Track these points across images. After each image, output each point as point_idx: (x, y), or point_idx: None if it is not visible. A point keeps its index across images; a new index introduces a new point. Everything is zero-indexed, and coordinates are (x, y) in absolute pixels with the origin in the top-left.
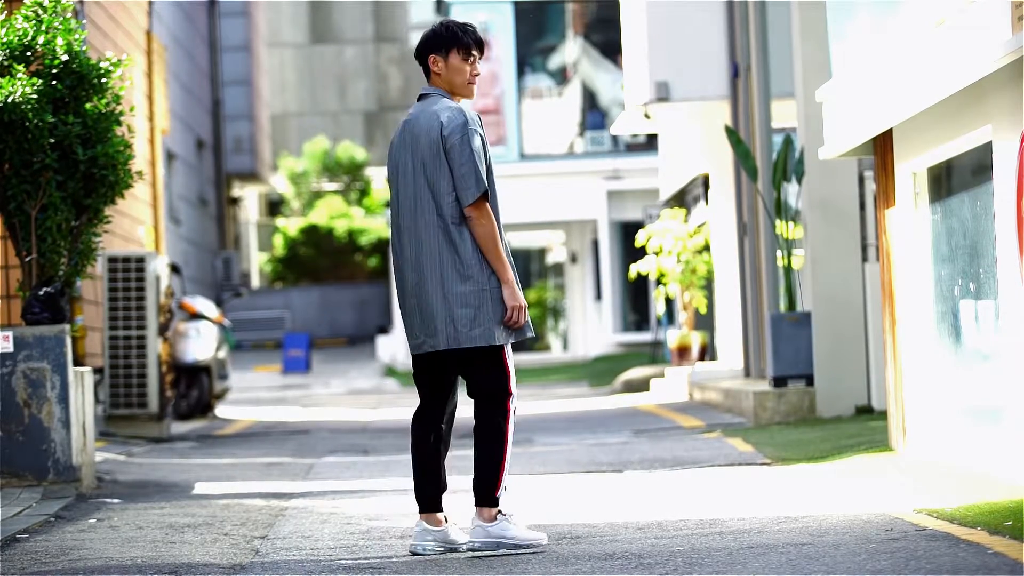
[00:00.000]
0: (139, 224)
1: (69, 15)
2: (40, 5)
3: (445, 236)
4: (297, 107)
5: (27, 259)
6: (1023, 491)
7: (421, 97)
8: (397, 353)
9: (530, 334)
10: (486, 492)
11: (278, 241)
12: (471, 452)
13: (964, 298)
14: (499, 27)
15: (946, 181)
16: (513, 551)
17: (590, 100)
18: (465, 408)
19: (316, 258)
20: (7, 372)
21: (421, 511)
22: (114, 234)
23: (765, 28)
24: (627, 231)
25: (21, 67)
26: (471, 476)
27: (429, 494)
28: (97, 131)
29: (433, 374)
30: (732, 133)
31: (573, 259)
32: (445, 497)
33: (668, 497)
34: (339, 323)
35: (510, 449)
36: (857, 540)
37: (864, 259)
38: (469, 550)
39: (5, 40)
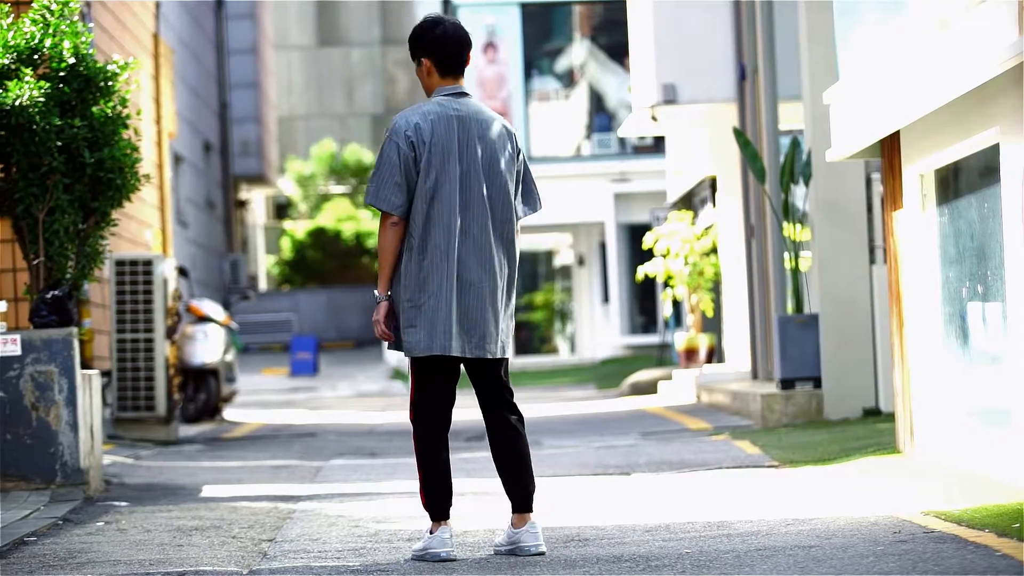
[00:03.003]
0: (146, 227)
1: (76, 18)
2: (47, 8)
3: (509, 245)
4: (304, 110)
5: (34, 262)
6: None
7: (459, 94)
8: (404, 356)
9: None
10: (531, 498)
11: (285, 244)
12: (474, 455)
13: (972, 300)
14: (506, 29)
15: (953, 183)
16: None
17: (597, 102)
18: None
19: (323, 261)
20: (15, 375)
21: (443, 518)
22: (121, 237)
23: (772, 30)
24: (634, 233)
25: (28, 70)
26: (464, 479)
27: (450, 500)
28: (104, 134)
29: (453, 376)
30: (740, 135)
31: (580, 262)
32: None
33: (676, 499)
34: (346, 326)
35: None
36: (865, 542)
37: (871, 261)
38: (537, 554)
39: (12, 43)
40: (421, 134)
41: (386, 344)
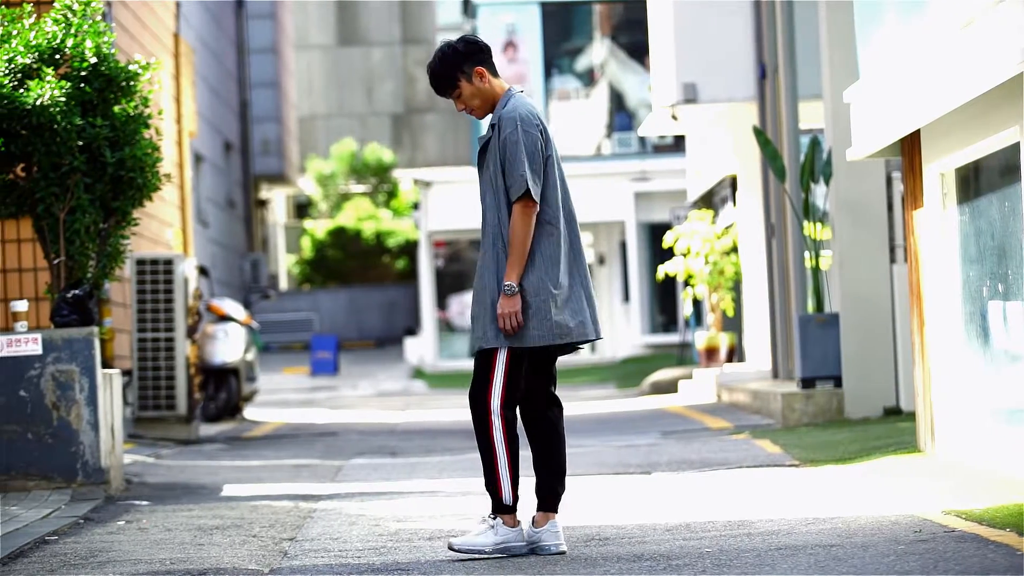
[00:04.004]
0: (167, 226)
1: (98, 18)
2: (69, 8)
3: None
4: (324, 109)
5: (55, 262)
6: None
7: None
8: (425, 355)
9: None
10: (559, 499)
11: (306, 243)
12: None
13: (992, 299)
14: (526, 28)
15: (974, 182)
16: None
17: (617, 102)
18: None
19: (344, 260)
20: (36, 374)
21: (554, 509)
22: (142, 236)
23: (792, 29)
24: (655, 233)
25: (50, 70)
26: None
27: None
28: (125, 134)
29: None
30: (760, 134)
31: (601, 261)
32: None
33: (696, 499)
34: (367, 325)
35: None
36: (886, 541)
37: (892, 260)
38: (557, 553)
39: (34, 43)
40: (543, 122)
41: (496, 337)
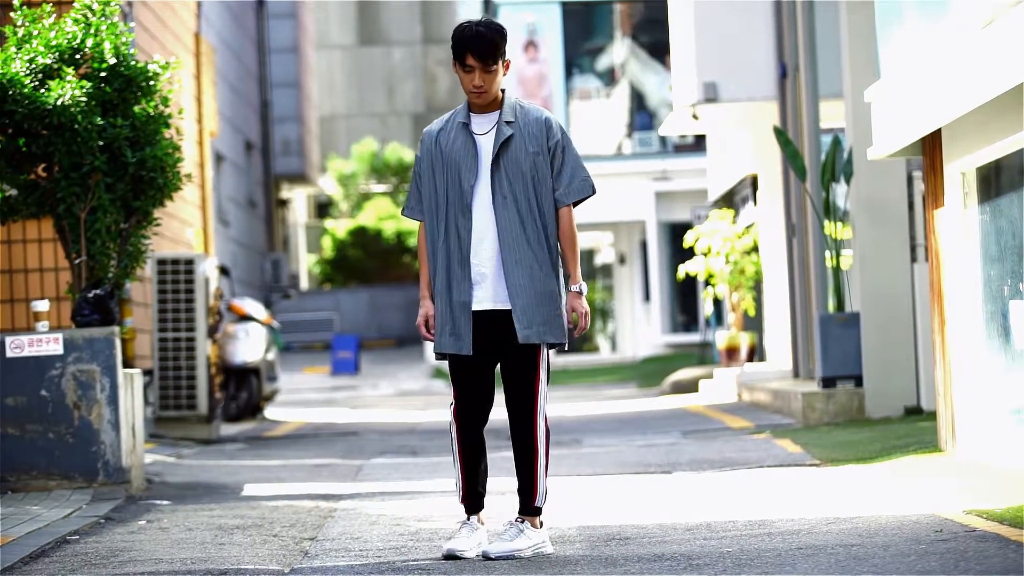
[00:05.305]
0: (188, 226)
1: (116, 18)
2: (89, 8)
3: None
4: (345, 109)
5: (76, 261)
6: None
7: None
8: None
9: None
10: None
11: (327, 243)
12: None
13: (1013, 298)
14: (547, 28)
15: (995, 181)
16: None
17: (638, 101)
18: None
19: (364, 260)
20: (57, 374)
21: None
22: (163, 236)
23: (813, 28)
24: (675, 232)
25: (70, 70)
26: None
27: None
28: (146, 133)
29: None
30: (781, 133)
31: (621, 260)
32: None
33: (717, 498)
34: (388, 325)
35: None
36: (906, 541)
37: (913, 259)
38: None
39: (55, 43)
40: None
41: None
